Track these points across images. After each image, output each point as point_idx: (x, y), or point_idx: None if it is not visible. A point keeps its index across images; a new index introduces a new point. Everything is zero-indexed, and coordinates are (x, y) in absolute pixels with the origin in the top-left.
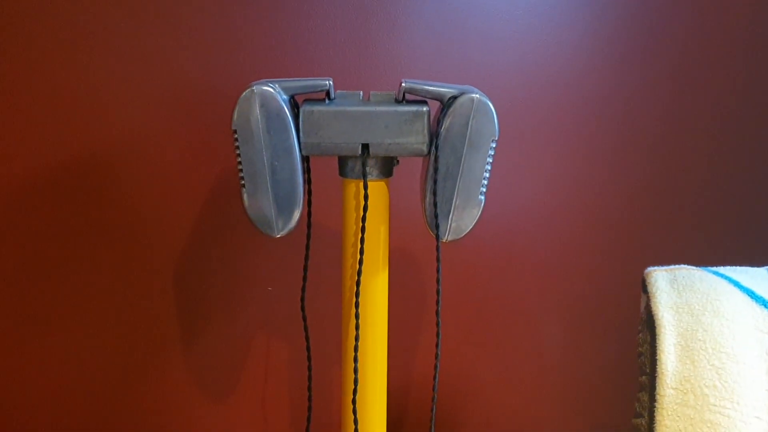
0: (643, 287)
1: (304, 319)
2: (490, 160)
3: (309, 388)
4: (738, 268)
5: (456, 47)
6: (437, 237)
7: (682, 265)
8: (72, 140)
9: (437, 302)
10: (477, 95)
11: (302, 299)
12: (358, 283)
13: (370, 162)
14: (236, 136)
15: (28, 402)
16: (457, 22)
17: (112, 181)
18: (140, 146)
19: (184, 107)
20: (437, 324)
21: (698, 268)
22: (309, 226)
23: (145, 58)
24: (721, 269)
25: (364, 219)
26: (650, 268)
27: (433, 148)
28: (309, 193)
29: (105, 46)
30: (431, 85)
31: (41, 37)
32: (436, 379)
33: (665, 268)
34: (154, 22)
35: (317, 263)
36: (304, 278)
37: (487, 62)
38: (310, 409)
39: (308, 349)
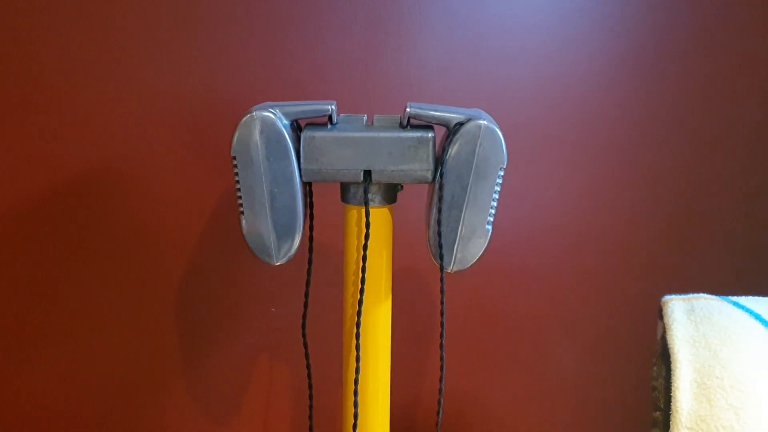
0: (660, 315)
1: (305, 346)
2: (498, 189)
3: (310, 417)
4: (760, 298)
5: (466, 64)
6: (441, 268)
7: (701, 294)
8: (79, 157)
9: (441, 335)
10: (484, 122)
11: (303, 326)
12: (359, 314)
13: (373, 188)
14: (235, 162)
15: (29, 420)
16: (467, 39)
17: (113, 204)
18: (142, 166)
19: (191, 124)
20: (441, 358)
21: (718, 297)
22: (311, 251)
23: (152, 75)
24: (742, 300)
25: (365, 248)
26: (667, 297)
27: (438, 176)
28: (311, 218)
29: (115, 64)
30: (437, 110)
31: (54, 55)
32: (440, 415)
33: (683, 297)
34: (160, 41)
35: (320, 283)
36: (305, 305)
37: (499, 78)
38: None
39: (309, 376)
